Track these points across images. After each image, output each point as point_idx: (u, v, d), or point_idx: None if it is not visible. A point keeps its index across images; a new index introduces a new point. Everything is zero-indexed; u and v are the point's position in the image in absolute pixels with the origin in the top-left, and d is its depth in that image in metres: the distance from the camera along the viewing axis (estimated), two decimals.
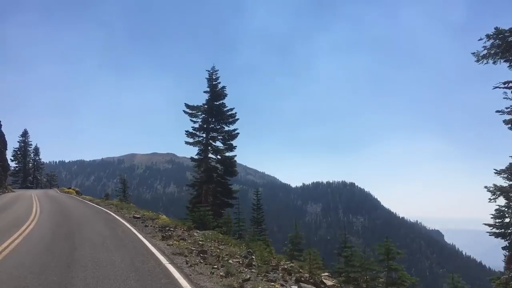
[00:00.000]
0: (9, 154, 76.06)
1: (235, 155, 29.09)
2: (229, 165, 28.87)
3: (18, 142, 78.84)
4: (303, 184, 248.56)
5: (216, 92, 29.73)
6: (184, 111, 29.80)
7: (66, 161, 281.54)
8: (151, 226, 15.03)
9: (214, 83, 29.96)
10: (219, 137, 29.76)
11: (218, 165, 29.32)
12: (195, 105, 29.70)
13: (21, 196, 33.61)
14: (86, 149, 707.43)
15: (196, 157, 29.39)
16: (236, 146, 28.97)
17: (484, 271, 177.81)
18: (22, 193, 40.86)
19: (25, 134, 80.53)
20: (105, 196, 63.08)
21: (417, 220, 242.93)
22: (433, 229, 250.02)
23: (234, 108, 29.77)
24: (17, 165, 78.08)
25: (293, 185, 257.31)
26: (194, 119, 29.75)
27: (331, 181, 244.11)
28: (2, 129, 56.16)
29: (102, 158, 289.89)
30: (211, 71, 30.11)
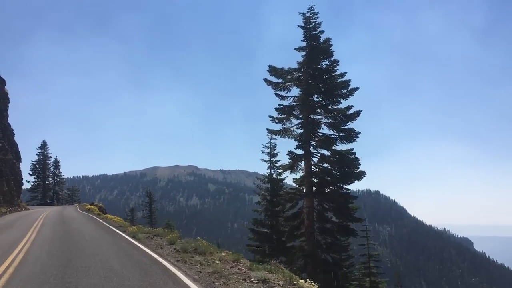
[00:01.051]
0: (27, 168, 66.47)
1: (352, 149, 16.38)
2: (348, 164, 16.06)
3: (37, 154, 69.03)
4: None
5: (317, 48, 17.14)
6: (265, 79, 17.47)
7: (89, 176, 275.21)
8: None
9: (313, 32, 17.39)
10: (324, 121, 17.21)
11: (327, 165, 16.69)
12: (285, 68, 17.29)
13: (22, 219, 22.91)
14: (109, 163, 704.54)
15: (297, 151, 16.61)
16: (359, 133, 16.26)
17: None
18: (31, 213, 30.20)
19: (43, 146, 70.47)
20: (130, 211, 52.15)
21: (444, 228, 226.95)
22: (462, 236, 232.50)
23: (346, 73, 17.21)
24: (36, 180, 67.95)
25: None
26: (282, 92, 17.36)
27: (355, 190, 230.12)
28: (17, 139, 46.21)
29: (125, 172, 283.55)
30: (308, 13, 17.41)
